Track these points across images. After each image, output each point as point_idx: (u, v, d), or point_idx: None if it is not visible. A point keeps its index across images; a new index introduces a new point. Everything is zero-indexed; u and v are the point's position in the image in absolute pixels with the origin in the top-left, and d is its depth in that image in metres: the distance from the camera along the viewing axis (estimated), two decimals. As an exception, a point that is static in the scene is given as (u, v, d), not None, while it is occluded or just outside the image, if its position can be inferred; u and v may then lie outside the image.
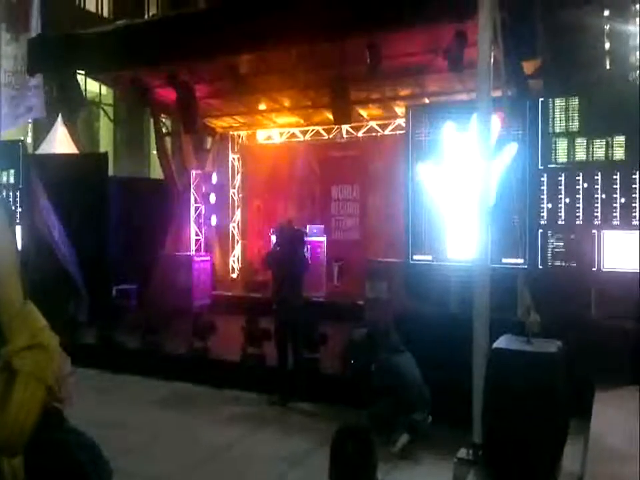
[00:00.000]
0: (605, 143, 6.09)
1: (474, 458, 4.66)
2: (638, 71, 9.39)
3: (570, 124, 6.23)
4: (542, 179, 6.41)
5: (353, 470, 2.11)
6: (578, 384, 4.93)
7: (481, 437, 4.65)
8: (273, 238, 9.38)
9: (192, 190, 11.77)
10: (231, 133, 12.81)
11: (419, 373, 5.65)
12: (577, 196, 6.29)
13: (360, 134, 11.77)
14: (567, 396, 4.48)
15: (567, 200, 6.30)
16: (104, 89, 16.63)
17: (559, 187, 6.35)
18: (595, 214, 6.21)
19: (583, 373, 5.27)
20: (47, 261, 9.75)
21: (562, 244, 6.27)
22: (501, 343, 4.67)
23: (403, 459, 5.17)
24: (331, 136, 12.03)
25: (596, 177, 6.21)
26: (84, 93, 11.95)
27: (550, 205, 6.35)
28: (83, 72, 10.64)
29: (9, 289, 1.23)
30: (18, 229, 9.60)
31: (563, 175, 6.34)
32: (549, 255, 6.34)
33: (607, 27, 9.27)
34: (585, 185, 6.22)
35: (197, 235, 11.96)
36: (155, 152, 14.56)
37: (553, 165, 6.39)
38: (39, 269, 9.32)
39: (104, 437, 1.85)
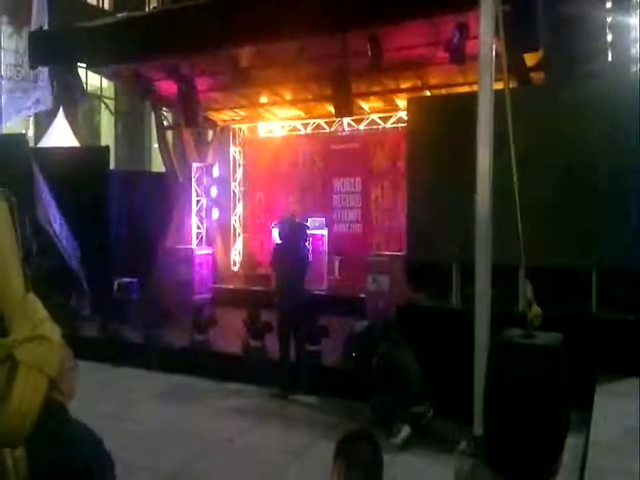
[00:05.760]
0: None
1: (475, 450, 4.68)
2: (638, 64, 9.35)
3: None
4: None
5: (364, 475, 2.11)
6: (578, 376, 4.93)
7: (482, 429, 4.66)
8: (274, 231, 9.39)
9: (193, 183, 11.77)
10: (232, 126, 12.80)
11: (419, 366, 5.66)
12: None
13: (361, 127, 11.74)
14: (568, 388, 4.50)
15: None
16: (105, 82, 16.66)
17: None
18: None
19: (584, 365, 5.27)
20: (48, 255, 9.75)
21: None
22: (502, 335, 4.68)
23: (403, 451, 5.19)
24: (332, 129, 12.01)
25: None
26: (85, 86, 11.93)
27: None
28: (84, 65, 10.61)
29: (11, 281, 1.23)
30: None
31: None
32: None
33: (608, 19, 9.23)
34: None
35: (198, 228, 11.97)
36: (156, 145, 14.57)
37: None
38: (40, 262, 9.34)
39: (106, 430, 1.86)
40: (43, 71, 12.02)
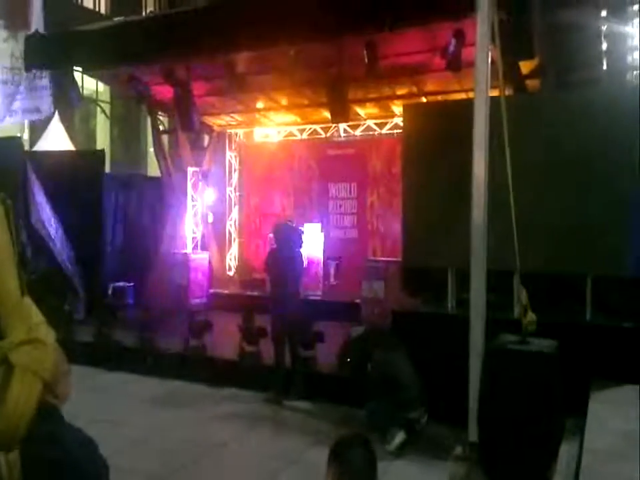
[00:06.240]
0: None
1: (470, 456, 4.68)
2: (634, 72, 9.42)
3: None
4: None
5: (360, 478, 2.11)
6: (573, 383, 4.94)
7: (477, 435, 4.66)
8: (271, 237, 9.39)
9: (189, 188, 11.76)
10: (228, 131, 12.81)
11: (415, 372, 5.65)
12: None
13: (357, 132, 11.78)
14: (563, 395, 4.50)
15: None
16: (101, 86, 16.65)
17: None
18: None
19: (578, 371, 5.29)
20: (43, 258, 9.74)
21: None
22: (497, 341, 4.68)
23: (398, 457, 5.18)
24: (328, 134, 12.04)
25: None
26: (81, 90, 11.93)
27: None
28: (80, 69, 10.61)
29: (7, 283, 1.23)
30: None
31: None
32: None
33: (604, 28, 9.30)
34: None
35: (193, 232, 11.95)
36: (151, 149, 14.54)
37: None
38: (35, 265, 9.32)
39: (100, 434, 1.85)
40: (45, 78, 12.03)
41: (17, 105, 12.66)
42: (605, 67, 9.29)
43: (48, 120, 13.15)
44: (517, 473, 4.31)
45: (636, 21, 9.21)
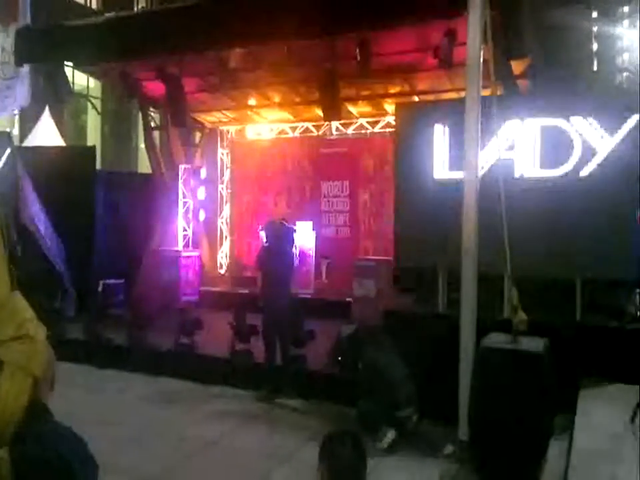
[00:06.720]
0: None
1: (460, 454, 4.70)
2: (624, 73, 9.48)
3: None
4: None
5: (348, 474, 2.11)
6: (562, 381, 4.97)
7: (467, 433, 4.68)
8: (262, 234, 9.37)
9: (180, 185, 11.71)
10: (220, 128, 12.77)
11: (405, 370, 5.66)
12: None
13: (349, 131, 11.77)
14: (552, 393, 4.53)
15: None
16: (92, 82, 16.55)
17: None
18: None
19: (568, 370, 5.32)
20: (33, 255, 9.67)
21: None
22: (488, 341, 4.70)
23: (389, 455, 5.18)
24: (320, 132, 12.02)
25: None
26: (71, 85, 11.84)
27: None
28: (70, 64, 10.54)
29: (-4, 279, 1.22)
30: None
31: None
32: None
33: (594, 29, 9.34)
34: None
35: (184, 230, 11.90)
36: (142, 146, 14.48)
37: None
38: (24, 262, 9.25)
39: (90, 432, 1.84)
40: (25, 66, 11.91)
41: (7, 99, 12.54)
42: (595, 68, 9.34)
43: (38, 115, 13.06)
44: (507, 471, 4.34)
45: (627, 22, 9.26)
